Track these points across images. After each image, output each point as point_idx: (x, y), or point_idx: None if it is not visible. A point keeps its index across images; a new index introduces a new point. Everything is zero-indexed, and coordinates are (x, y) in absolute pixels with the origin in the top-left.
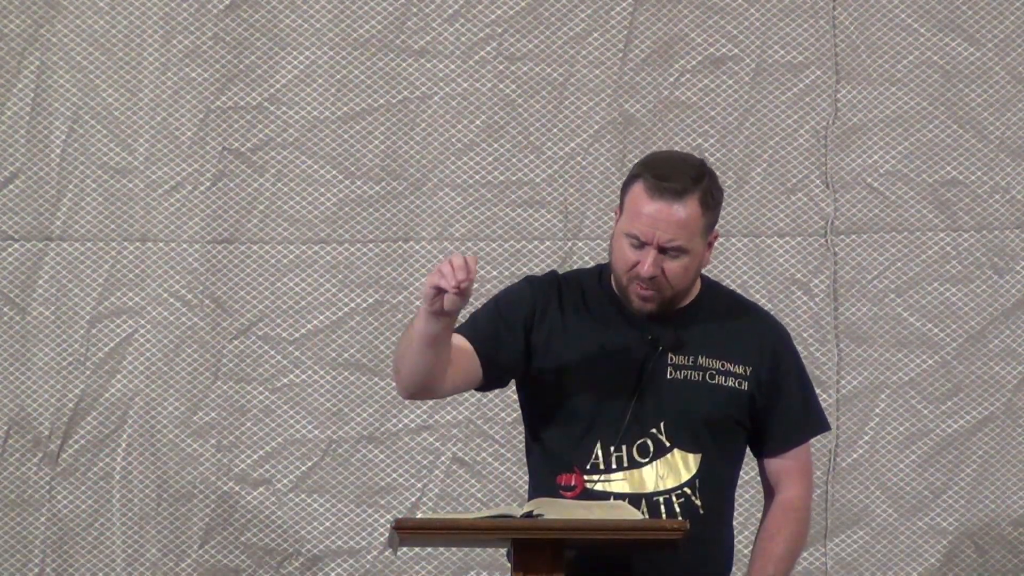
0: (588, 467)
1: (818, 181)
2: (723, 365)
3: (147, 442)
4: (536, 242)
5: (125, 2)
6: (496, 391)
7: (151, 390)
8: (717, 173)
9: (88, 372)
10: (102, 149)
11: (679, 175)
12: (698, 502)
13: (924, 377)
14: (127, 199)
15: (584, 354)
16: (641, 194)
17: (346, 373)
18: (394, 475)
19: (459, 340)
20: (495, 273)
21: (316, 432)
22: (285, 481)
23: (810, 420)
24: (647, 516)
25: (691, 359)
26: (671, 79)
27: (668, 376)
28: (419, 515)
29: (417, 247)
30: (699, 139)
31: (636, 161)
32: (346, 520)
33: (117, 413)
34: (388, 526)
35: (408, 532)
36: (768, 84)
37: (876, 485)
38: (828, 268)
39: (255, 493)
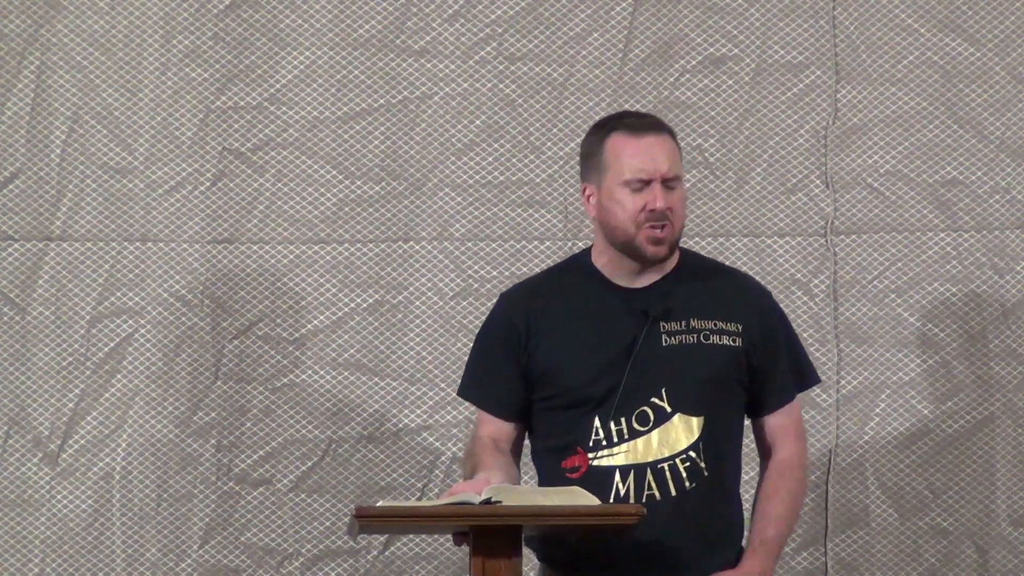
0: (591, 444)
1: (818, 181)
2: (715, 324)
3: (147, 442)
4: (536, 242)
5: (125, 2)
6: None
7: (151, 390)
8: (717, 173)
9: (88, 372)
10: (102, 149)
11: (646, 115)
12: (703, 464)
13: (924, 377)
14: (127, 199)
15: (575, 339)
16: (625, 139)
17: (346, 373)
18: (394, 475)
19: (491, 427)
20: (495, 273)
21: (316, 432)
22: (285, 481)
23: (799, 375)
24: (654, 483)
25: (683, 323)
26: (671, 79)
27: (664, 343)
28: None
29: (417, 247)
30: (699, 139)
31: (590, 129)
32: (346, 520)
33: (117, 413)
34: (350, 514)
35: (368, 520)
36: (768, 84)
37: (876, 485)
38: (828, 268)
39: (255, 493)
